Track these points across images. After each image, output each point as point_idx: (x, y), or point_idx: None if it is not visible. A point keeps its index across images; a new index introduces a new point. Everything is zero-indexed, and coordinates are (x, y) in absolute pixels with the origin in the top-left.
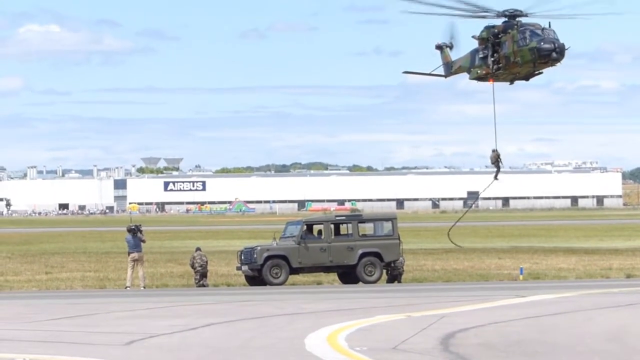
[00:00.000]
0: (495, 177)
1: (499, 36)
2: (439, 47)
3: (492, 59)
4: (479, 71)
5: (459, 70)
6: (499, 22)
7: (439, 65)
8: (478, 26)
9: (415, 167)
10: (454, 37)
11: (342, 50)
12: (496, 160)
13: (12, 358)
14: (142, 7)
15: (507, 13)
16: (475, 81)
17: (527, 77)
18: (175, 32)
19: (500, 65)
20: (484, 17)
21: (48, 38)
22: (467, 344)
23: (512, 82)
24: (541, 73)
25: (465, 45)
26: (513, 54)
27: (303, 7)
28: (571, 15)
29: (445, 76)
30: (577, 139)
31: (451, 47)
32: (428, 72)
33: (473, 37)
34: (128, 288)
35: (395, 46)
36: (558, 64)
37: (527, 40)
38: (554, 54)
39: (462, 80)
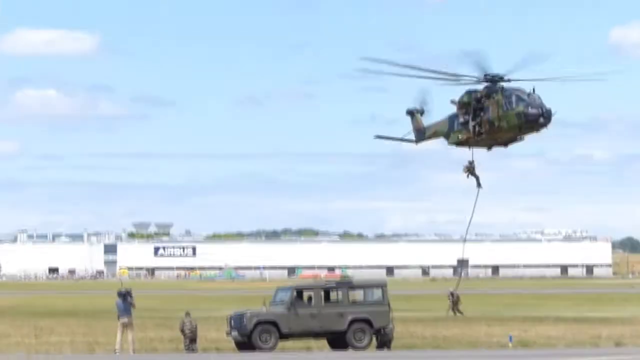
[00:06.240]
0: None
1: (482, 101)
2: (410, 113)
3: (474, 123)
4: (459, 136)
5: (434, 135)
6: (479, 87)
7: (409, 132)
8: (452, 91)
9: (406, 235)
10: (426, 103)
11: (338, 118)
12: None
13: None
14: (138, 72)
15: (488, 78)
16: (453, 146)
17: (506, 144)
18: (171, 98)
19: (483, 130)
20: (464, 83)
21: (45, 103)
22: None
23: (490, 148)
24: (522, 139)
25: (438, 111)
26: (498, 118)
27: (300, 74)
28: (550, 79)
29: (416, 142)
30: (567, 208)
31: (422, 113)
32: (399, 137)
33: (452, 101)
34: (117, 352)
35: (391, 114)
36: (544, 130)
37: (513, 105)
38: (541, 119)
39: (456, 148)
